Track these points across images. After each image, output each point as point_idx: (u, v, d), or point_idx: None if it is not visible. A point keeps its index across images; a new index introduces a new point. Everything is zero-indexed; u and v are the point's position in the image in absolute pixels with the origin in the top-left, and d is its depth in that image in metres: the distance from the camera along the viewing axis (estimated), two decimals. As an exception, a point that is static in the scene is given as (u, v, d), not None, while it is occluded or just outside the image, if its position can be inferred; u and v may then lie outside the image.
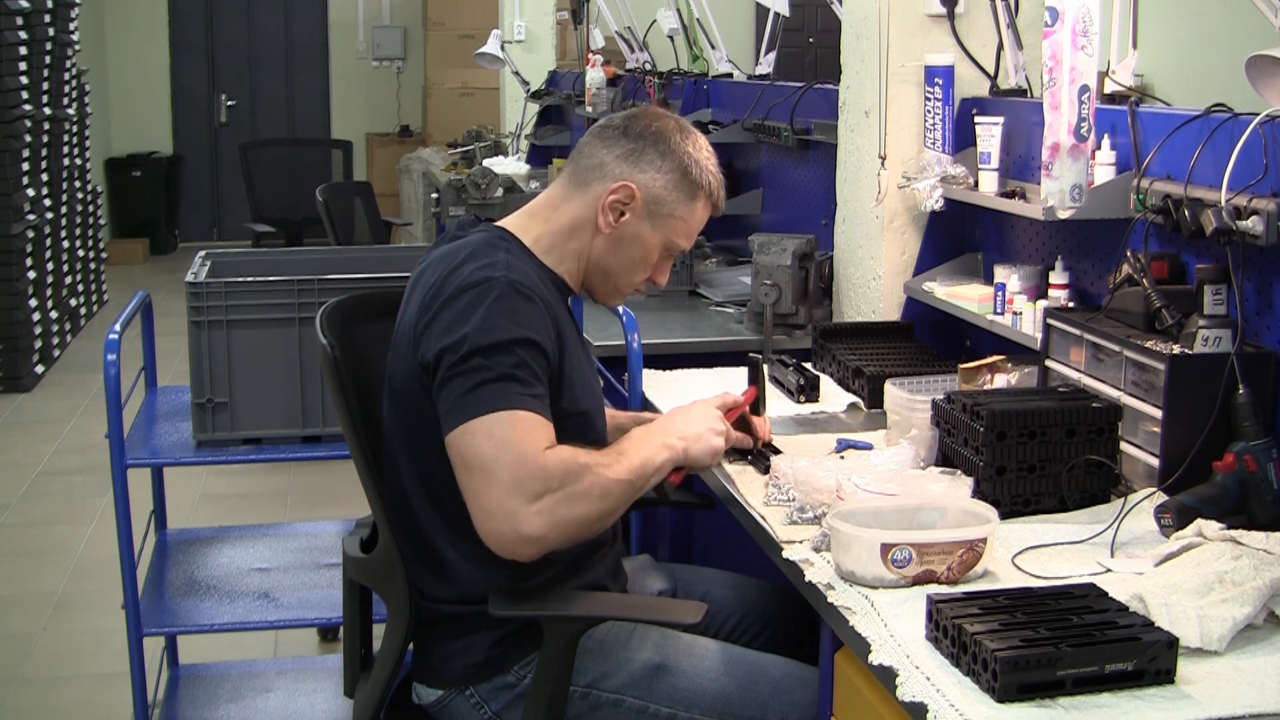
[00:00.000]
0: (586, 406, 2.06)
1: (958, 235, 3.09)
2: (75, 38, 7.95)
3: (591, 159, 2.09)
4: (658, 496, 2.10)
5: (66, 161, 7.84)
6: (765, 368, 2.61)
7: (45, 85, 7.31)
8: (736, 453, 2.31)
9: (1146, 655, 1.51)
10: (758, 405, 2.35)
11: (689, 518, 3.00)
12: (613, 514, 1.95)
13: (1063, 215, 2.44)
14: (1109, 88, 2.51)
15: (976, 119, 2.84)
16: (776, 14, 4.53)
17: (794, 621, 2.25)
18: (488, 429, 1.84)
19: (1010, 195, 2.72)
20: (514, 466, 1.83)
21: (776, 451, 2.29)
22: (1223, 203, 2.05)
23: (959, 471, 2.09)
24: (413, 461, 2.00)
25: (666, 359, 3.08)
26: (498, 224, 2.10)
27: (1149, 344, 2.13)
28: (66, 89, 7.79)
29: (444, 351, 1.89)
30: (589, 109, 5.99)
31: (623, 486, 1.93)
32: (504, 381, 1.86)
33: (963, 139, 2.93)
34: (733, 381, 2.71)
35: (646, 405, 2.76)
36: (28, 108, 6.84)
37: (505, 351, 1.87)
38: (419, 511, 2.00)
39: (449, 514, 1.97)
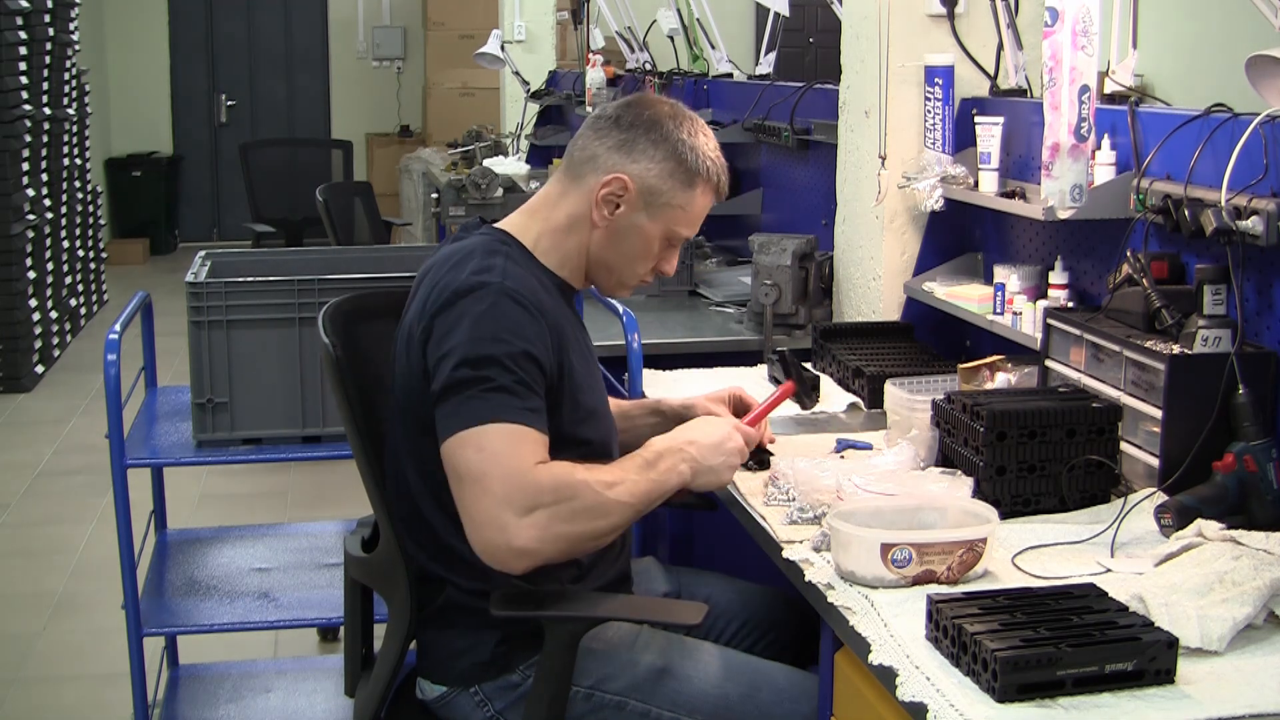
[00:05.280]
0: (593, 404, 2.06)
1: (958, 235, 3.09)
2: (75, 38, 7.95)
3: (585, 151, 2.06)
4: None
5: (66, 161, 7.84)
6: (796, 364, 2.60)
7: (45, 85, 7.30)
8: None
9: (1146, 655, 1.51)
10: (802, 396, 2.32)
11: (689, 518, 2.99)
12: (612, 532, 1.93)
13: (1063, 215, 2.44)
14: (1109, 88, 2.51)
15: (976, 119, 2.84)
16: (776, 14, 4.53)
17: (796, 628, 2.25)
18: (478, 441, 1.84)
19: (1010, 195, 2.72)
20: (505, 480, 1.82)
21: (770, 455, 2.29)
22: (1223, 203, 2.05)
23: (959, 471, 2.09)
24: (417, 461, 2.00)
25: (666, 359, 3.08)
26: (499, 225, 2.09)
27: (1149, 344, 2.13)
28: (66, 89, 7.79)
29: (440, 360, 1.89)
30: (589, 109, 5.99)
31: (623, 509, 1.92)
32: (497, 394, 1.85)
33: (963, 139, 2.93)
34: (730, 381, 2.71)
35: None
36: (28, 108, 6.84)
37: (497, 364, 1.86)
38: (426, 510, 2.00)
39: (455, 512, 1.97)
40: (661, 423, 2.27)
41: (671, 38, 5.78)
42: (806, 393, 2.38)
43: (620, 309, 2.88)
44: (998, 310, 2.72)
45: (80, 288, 8.07)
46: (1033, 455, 2.06)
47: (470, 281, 1.92)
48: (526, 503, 1.83)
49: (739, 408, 2.29)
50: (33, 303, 6.84)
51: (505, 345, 1.87)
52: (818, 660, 1.93)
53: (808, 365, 2.88)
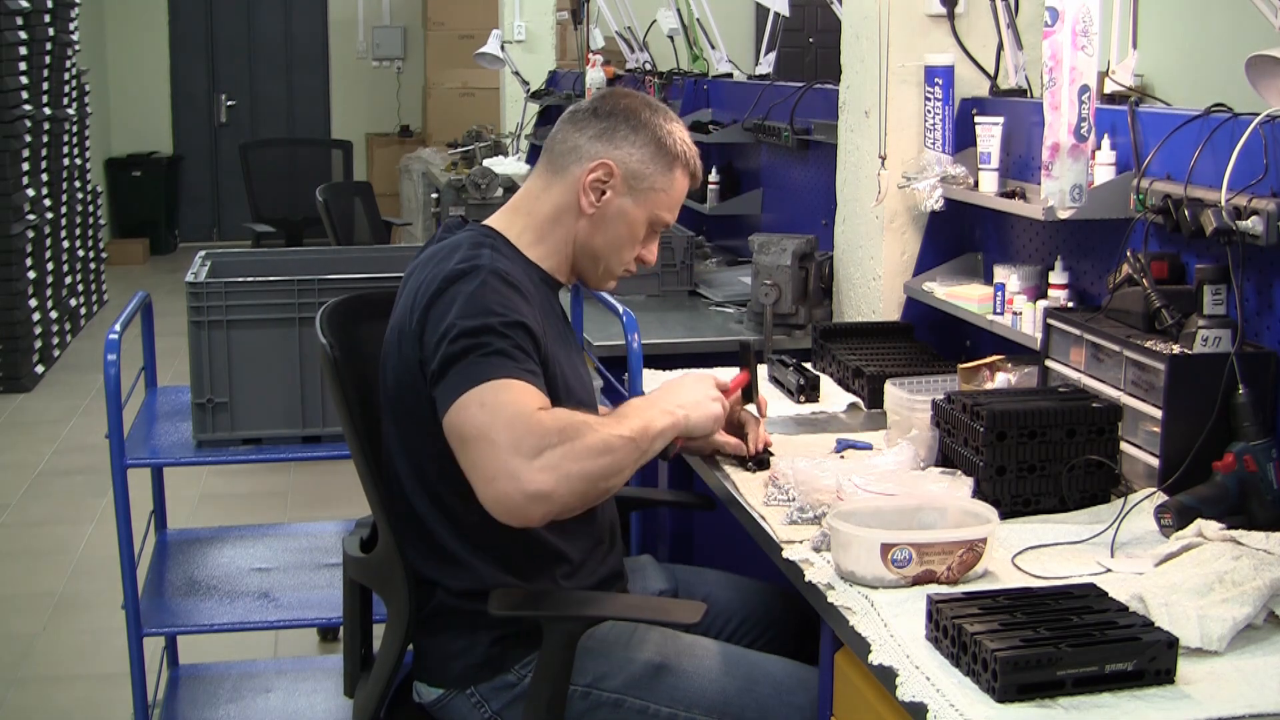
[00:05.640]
0: (579, 397, 2.07)
1: (958, 235, 3.09)
2: (75, 38, 7.95)
3: (565, 144, 2.10)
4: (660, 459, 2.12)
5: (66, 161, 7.84)
6: (759, 353, 2.59)
7: (45, 85, 7.31)
8: (733, 458, 2.31)
9: (1146, 655, 1.51)
10: (750, 391, 2.33)
11: (689, 518, 2.99)
12: (619, 471, 1.91)
13: (1063, 215, 2.44)
14: (1109, 88, 2.51)
15: (976, 119, 2.84)
16: (776, 14, 4.53)
17: (795, 623, 2.25)
18: (479, 399, 1.83)
19: (1010, 195, 2.72)
20: (510, 427, 1.80)
21: (770, 455, 2.28)
22: (1223, 203, 2.05)
23: (959, 471, 2.09)
24: (410, 459, 2.01)
25: (666, 359, 3.07)
26: (483, 223, 2.11)
27: (1149, 344, 2.13)
28: (66, 89, 7.79)
29: (436, 342, 1.89)
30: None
31: (626, 443, 1.90)
32: (494, 356, 1.86)
33: (963, 139, 2.93)
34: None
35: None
36: (28, 108, 6.84)
37: (492, 332, 1.87)
38: (420, 509, 2.01)
39: (449, 510, 1.98)
40: None
41: (671, 38, 5.79)
42: (755, 388, 2.36)
43: (620, 309, 2.88)
44: (998, 310, 2.72)
45: (80, 288, 8.07)
46: (1033, 455, 2.06)
47: (459, 268, 1.94)
48: (534, 445, 1.80)
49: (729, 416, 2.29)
50: (33, 303, 6.84)
51: (499, 316, 1.89)
52: (817, 659, 1.93)
53: (807, 365, 2.88)
